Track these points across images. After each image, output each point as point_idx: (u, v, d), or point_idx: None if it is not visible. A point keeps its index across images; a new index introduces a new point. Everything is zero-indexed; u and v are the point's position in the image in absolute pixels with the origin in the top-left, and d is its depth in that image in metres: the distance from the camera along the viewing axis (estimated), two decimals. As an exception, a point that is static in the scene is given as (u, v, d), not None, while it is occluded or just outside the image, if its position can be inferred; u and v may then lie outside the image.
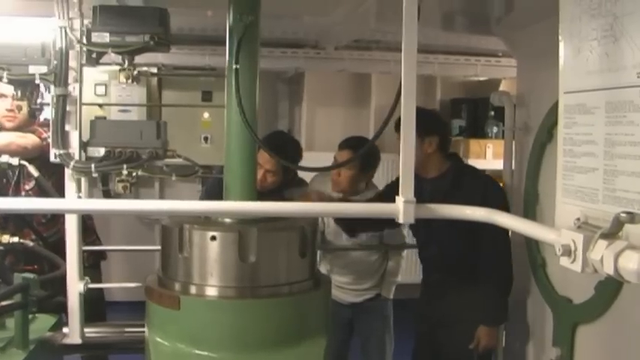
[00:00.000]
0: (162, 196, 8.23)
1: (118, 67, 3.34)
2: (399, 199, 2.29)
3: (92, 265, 4.68)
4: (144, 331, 2.98)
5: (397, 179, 2.36)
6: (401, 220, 2.29)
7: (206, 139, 5.08)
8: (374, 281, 5.11)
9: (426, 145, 4.25)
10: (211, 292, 2.77)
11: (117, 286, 4.95)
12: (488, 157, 8.11)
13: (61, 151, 3.15)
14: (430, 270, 4.67)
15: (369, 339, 5.23)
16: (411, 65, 2.25)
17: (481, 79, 7.97)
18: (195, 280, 2.79)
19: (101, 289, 4.72)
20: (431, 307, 4.58)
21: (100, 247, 4.97)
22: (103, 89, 4.17)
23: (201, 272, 2.78)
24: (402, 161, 2.29)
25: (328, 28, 5.90)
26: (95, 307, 4.04)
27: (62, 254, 3.65)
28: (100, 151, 3.19)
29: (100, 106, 3.95)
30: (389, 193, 2.72)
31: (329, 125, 8.41)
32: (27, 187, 4.55)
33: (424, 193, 4.15)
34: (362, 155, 4.50)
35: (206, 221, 2.97)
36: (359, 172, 4.81)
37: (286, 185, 4.86)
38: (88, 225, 4.71)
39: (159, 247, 3.13)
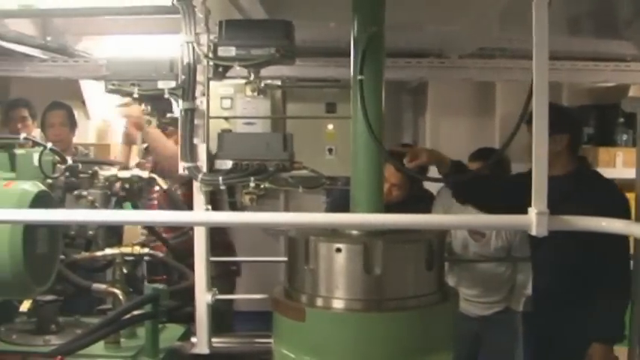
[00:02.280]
0: (286, 208, 8.29)
1: (242, 81, 3.38)
2: (532, 210, 2.21)
3: (225, 279, 4.76)
4: (270, 342, 2.99)
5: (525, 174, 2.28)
6: (533, 233, 2.22)
7: (330, 150, 5.12)
8: (503, 294, 4.99)
9: (556, 143, 4.02)
10: (337, 304, 2.75)
11: (244, 297, 5.01)
12: (617, 165, 7.80)
13: (190, 164, 3.21)
14: (541, 274, 4.48)
15: (497, 353, 5.11)
16: (542, 71, 2.18)
17: (609, 84, 7.69)
18: (320, 292, 2.79)
19: (231, 301, 4.78)
20: (542, 318, 4.41)
21: (226, 258, 5.02)
22: (229, 102, 4.25)
23: (327, 284, 2.77)
24: (535, 171, 2.22)
25: (452, 37, 5.81)
26: (223, 317, 4.09)
27: (184, 258, 3.72)
28: (227, 164, 3.23)
29: (226, 119, 4.03)
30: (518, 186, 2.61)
31: (453, 136, 8.29)
32: (154, 196, 4.68)
33: None
34: (492, 165, 4.39)
35: (332, 233, 2.96)
36: None
37: (412, 198, 4.81)
38: (226, 241, 4.79)
39: (285, 259, 3.15)
